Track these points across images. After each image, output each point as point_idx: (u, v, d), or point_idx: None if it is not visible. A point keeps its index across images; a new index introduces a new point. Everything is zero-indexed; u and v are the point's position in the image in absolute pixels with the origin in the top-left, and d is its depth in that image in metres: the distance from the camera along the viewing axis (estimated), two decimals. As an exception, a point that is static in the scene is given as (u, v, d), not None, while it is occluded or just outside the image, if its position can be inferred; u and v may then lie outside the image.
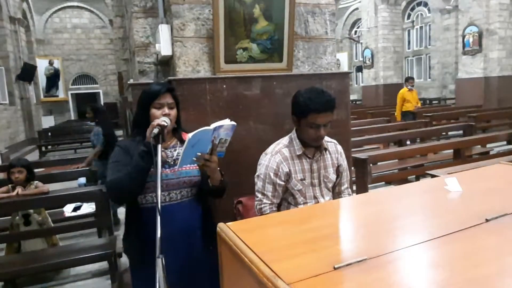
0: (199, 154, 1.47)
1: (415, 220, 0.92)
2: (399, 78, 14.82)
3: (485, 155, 5.36)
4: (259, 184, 1.83)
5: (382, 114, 9.26)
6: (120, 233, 3.23)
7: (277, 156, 1.78)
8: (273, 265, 0.71)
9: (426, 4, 16.53)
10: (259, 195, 1.82)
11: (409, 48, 17.85)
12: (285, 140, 1.85)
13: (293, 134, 1.84)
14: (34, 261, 2.62)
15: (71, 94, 17.73)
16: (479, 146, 5.63)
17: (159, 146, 1.45)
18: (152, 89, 1.61)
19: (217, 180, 1.61)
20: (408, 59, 17.88)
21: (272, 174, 1.77)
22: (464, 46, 10.65)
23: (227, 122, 1.47)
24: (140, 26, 2.33)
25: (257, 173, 1.86)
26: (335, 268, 0.69)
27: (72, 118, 17.17)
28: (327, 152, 1.85)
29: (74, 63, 17.76)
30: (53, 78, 16.46)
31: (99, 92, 18.29)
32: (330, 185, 1.87)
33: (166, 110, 1.59)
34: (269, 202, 1.80)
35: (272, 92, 2.29)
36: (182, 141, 1.69)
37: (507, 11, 10.09)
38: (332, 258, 0.73)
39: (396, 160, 5.10)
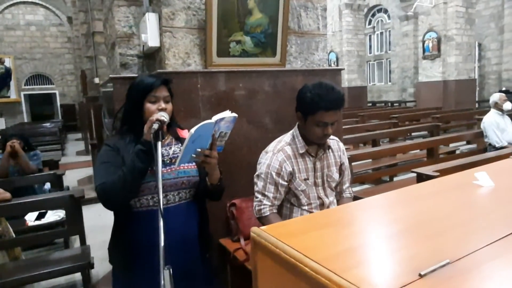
0: (199, 150, 1.33)
1: (470, 217, 0.85)
2: (362, 81, 15.29)
3: (452, 154, 5.59)
4: (259, 184, 1.70)
5: (348, 116, 9.45)
6: (88, 242, 2.97)
7: (279, 155, 1.67)
8: (346, 275, 0.60)
9: (386, 11, 17.23)
10: (259, 196, 1.70)
11: (370, 53, 18.51)
12: (287, 137, 1.74)
13: (295, 131, 1.73)
14: (-4, 277, 2.32)
15: (24, 95, 16.55)
16: (442, 145, 5.86)
17: (159, 143, 1.30)
18: (146, 81, 1.44)
19: (216, 178, 1.48)
20: (369, 63, 18.54)
21: (274, 174, 1.65)
22: (424, 51, 11.18)
23: (228, 114, 1.35)
24: (122, 15, 2.13)
25: (257, 173, 1.73)
26: (421, 275, 0.59)
27: (25, 120, 16.01)
28: (330, 150, 1.77)
29: (28, 62, 16.62)
30: (4, 78, 15.32)
31: (55, 93, 17.24)
32: (333, 184, 1.79)
33: (162, 105, 1.43)
34: (270, 203, 1.67)
35: (267, 88, 2.19)
36: (177, 138, 1.54)
37: (463, 18, 10.73)
38: (409, 263, 0.64)
39: (370, 160, 5.17)
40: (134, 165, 1.32)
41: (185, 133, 1.57)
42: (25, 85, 16.66)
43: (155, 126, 1.29)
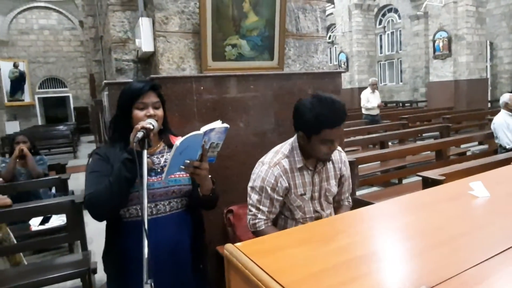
0: (188, 161, 1.30)
1: (461, 233, 0.79)
2: (373, 81, 15.07)
3: (462, 156, 5.45)
4: (253, 197, 1.62)
5: (358, 117, 9.32)
6: (93, 247, 2.97)
7: (275, 169, 1.57)
8: (311, 302, 0.55)
9: (396, 11, 17.00)
10: (253, 210, 1.62)
11: (381, 53, 18.28)
12: (284, 149, 1.64)
13: (295, 142, 1.63)
14: (-5, 283, 2.32)
15: (38, 98, 16.85)
16: (454, 147, 5.72)
17: (145, 152, 1.27)
18: (133, 88, 1.41)
19: (208, 189, 1.43)
20: (380, 63, 18.31)
21: (269, 189, 1.57)
22: (434, 51, 10.98)
23: (218, 124, 1.31)
24: (117, 20, 2.12)
25: (251, 184, 1.65)
26: (391, 305, 0.54)
27: (39, 123, 16.30)
28: (330, 162, 1.67)
29: (41, 66, 16.92)
30: (18, 82, 15.61)
31: (68, 96, 17.52)
32: (331, 198, 1.71)
33: (151, 111, 1.40)
34: (265, 217, 1.61)
35: (264, 92, 2.14)
36: (170, 146, 1.50)
37: (473, 17, 10.50)
38: (382, 290, 0.59)
39: (378, 163, 5.07)
40: (120, 174, 1.29)
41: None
42: (39, 89, 16.97)
43: (139, 134, 1.26)
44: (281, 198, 1.60)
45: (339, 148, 1.73)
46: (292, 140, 1.65)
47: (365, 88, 14.37)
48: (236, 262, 0.73)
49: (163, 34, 1.92)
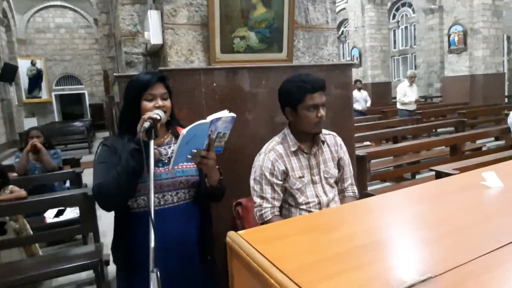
0: (195, 151, 1.30)
1: (470, 223, 0.77)
2: (386, 76, 14.89)
3: (478, 151, 5.33)
4: (256, 187, 1.67)
5: (371, 112, 9.21)
6: (106, 240, 3.02)
7: (271, 155, 1.64)
8: (311, 288, 0.54)
9: (410, 5, 16.68)
10: (258, 200, 1.66)
11: (395, 48, 17.98)
12: (277, 137, 1.73)
13: (286, 129, 1.71)
14: (11, 273, 2.38)
15: (55, 95, 17.19)
16: (469, 142, 5.58)
17: (152, 142, 1.27)
18: (141, 79, 1.42)
19: (215, 179, 1.44)
20: (394, 58, 18.02)
21: (268, 174, 1.62)
22: (449, 45, 10.74)
23: (225, 114, 1.31)
24: (126, 13, 2.13)
25: (252, 176, 1.71)
26: (395, 291, 0.52)
27: (56, 119, 16.64)
28: (325, 145, 1.72)
29: (58, 64, 17.23)
30: (35, 79, 15.95)
31: (84, 93, 17.82)
32: (332, 180, 1.73)
33: (159, 102, 1.40)
34: (270, 205, 1.63)
35: (272, 85, 2.12)
36: (177, 137, 1.51)
37: (490, 11, 10.23)
38: (385, 277, 0.57)
39: (391, 157, 5.00)
40: (128, 164, 1.30)
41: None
42: (55, 86, 17.31)
43: (146, 124, 1.26)
44: (280, 183, 1.63)
45: (333, 133, 1.80)
46: (284, 129, 1.74)
47: (378, 83, 14.27)
48: (238, 249, 0.73)
49: (172, 26, 1.92)
